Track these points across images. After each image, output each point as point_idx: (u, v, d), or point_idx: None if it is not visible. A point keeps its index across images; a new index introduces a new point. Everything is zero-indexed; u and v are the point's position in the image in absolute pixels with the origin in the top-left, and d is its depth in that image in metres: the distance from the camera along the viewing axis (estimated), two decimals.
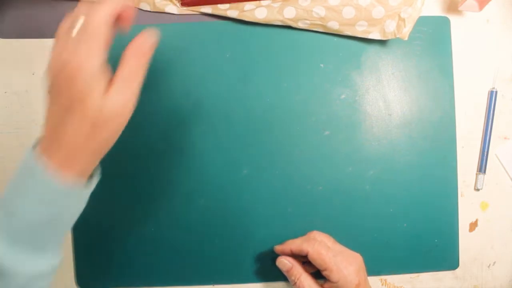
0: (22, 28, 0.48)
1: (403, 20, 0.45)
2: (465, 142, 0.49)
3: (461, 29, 0.50)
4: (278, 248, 0.45)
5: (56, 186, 0.28)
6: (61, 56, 0.26)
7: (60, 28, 0.28)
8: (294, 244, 0.43)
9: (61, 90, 0.26)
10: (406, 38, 0.45)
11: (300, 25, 0.47)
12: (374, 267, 0.48)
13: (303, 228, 0.47)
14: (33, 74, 0.48)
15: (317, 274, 0.44)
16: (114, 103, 0.27)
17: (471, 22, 0.50)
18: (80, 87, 0.26)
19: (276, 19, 0.47)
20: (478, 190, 0.49)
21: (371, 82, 0.49)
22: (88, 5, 0.28)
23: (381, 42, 0.48)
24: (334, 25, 0.46)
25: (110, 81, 0.27)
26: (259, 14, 0.47)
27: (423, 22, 0.48)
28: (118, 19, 0.29)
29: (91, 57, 0.26)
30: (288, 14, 0.46)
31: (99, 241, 0.48)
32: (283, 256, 0.44)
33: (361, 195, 0.48)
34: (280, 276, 0.47)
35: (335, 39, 0.48)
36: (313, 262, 0.42)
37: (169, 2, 0.48)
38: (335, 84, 0.48)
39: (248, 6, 0.47)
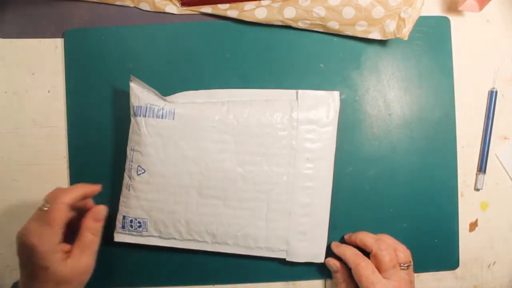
0: (22, 28, 0.48)
1: (403, 20, 0.45)
2: (465, 142, 0.49)
3: (461, 29, 0.50)
4: (347, 236, 0.46)
5: None
6: (24, 235, 0.34)
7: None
8: (365, 239, 0.44)
9: (25, 262, 0.35)
10: (406, 38, 0.45)
11: (300, 25, 0.47)
12: None
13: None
14: (33, 74, 0.48)
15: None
16: (74, 266, 0.35)
17: (471, 22, 0.50)
18: (39, 260, 0.34)
19: (276, 19, 0.47)
20: (478, 190, 0.49)
21: (371, 82, 0.49)
22: (55, 193, 0.36)
23: (381, 42, 0.48)
24: (334, 25, 0.46)
25: (72, 249, 0.36)
26: (259, 14, 0.47)
27: (423, 22, 0.48)
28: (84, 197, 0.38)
29: (45, 239, 0.34)
30: (288, 14, 0.46)
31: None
32: (332, 259, 0.45)
33: (361, 195, 0.48)
34: (279, 276, 0.47)
35: (335, 39, 0.48)
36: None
37: (169, 2, 0.48)
38: (335, 84, 0.48)
39: (248, 6, 0.47)
